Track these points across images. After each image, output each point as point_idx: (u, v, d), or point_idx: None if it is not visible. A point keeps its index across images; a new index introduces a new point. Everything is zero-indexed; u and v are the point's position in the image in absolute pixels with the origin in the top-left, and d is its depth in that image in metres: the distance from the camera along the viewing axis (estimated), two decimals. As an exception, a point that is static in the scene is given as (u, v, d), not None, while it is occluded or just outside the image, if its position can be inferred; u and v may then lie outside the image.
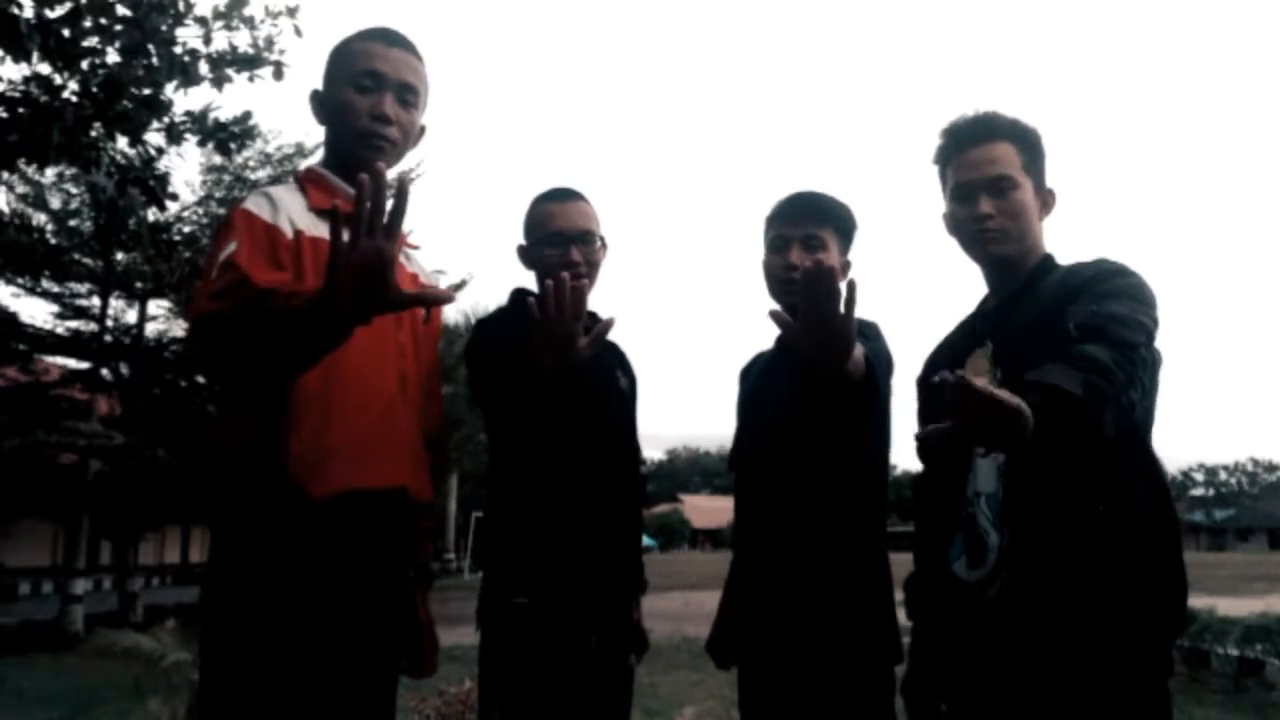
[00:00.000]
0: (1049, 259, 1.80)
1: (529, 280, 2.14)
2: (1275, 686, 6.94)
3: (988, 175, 1.77)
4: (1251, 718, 6.12)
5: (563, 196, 2.10)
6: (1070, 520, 1.57)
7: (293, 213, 1.60)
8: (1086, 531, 1.56)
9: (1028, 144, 1.81)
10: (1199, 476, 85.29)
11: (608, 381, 2.10)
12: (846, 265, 2.09)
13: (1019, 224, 1.77)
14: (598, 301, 2.22)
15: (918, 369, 2.00)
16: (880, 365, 1.83)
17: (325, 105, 1.75)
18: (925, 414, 1.91)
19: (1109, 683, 1.52)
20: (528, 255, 2.12)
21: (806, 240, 2.02)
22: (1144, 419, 1.67)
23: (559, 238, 2.03)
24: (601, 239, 2.08)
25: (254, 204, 1.58)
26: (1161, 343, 1.62)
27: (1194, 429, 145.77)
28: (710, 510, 62.56)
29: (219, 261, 1.48)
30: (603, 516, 1.96)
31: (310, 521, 1.51)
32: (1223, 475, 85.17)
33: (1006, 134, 1.80)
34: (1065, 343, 1.48)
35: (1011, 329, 1.72)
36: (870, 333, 1.99)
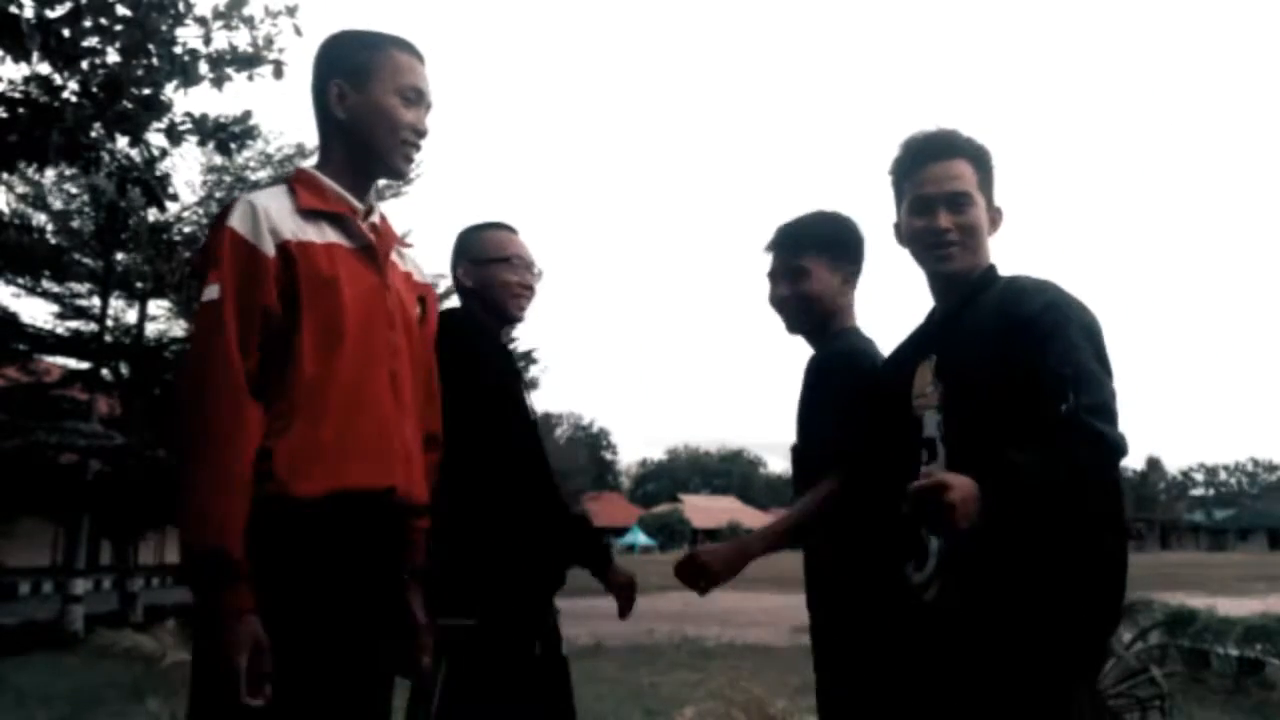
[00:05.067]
0: (991, 270, 1.88)
1: None
2: (1275, 686, 6.94)
3: (947, 191, 1.84)
4: (1251, 718, 6.11)
5: (511, 228, 2.37)
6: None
7: (277, 221, 1.60)
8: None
9: (982, 163, 1.89)
10: (1199, 476, 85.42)
11: (528, 414, 2.28)
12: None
13: (974, 239, 1.85)
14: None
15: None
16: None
17: (362, 105, 1.71)
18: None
19: (1019, 683, 1.59)
20: (476, 274, 2.29)
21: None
22: None
23: (520, 260, 2.30)
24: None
25: (239, 220, 1.58)
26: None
27: (1194, 429, 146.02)
28: (710, 510, 62.57)
29: (202, 304, 1.54)
30: (530, 537, 2.13)
31: (295, 522, 1.51)
32: (1223, 475, 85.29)
33: (965, 152, 1.88)
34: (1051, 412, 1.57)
35: (954, 343, 1.81)
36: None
